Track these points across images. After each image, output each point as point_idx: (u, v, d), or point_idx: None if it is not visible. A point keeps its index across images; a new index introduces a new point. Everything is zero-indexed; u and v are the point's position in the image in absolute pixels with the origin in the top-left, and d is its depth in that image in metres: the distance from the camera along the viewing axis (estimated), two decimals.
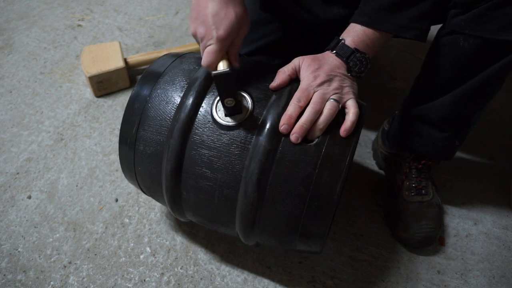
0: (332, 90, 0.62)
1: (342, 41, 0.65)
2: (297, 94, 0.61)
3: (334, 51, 0.65)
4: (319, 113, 0.60)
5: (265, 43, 0.93)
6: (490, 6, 0.62)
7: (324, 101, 0.61)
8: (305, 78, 0.62)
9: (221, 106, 0.62)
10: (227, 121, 0.61)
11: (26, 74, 1.22)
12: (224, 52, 0.62)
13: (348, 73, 0.64)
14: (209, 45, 0.60)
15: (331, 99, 0.61)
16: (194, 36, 0.64)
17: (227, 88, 0.58)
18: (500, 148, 1.10)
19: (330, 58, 0.64)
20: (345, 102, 0.62)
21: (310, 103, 0.60)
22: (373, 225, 0.92)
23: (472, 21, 0.64)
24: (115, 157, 1.01)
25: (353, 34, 0.65)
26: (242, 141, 0.60)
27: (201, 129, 0.62)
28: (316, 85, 0.61)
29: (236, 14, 0.61)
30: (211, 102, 0.63)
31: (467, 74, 0.71)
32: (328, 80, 0.62)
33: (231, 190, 0.62)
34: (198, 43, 0.64)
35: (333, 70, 0.63)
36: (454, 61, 0.71)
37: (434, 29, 0.76)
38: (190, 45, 1.24)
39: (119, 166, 0.99)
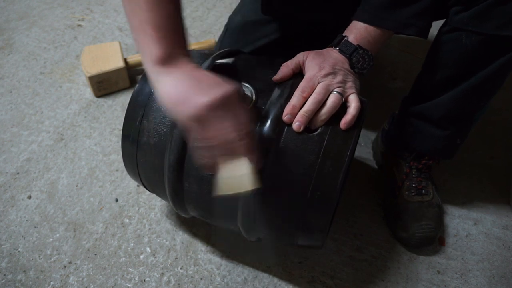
0: (336, 83, 0.62)
1: (345, 38, 0.66)
2: (301, 84, 0.62)
3: (338, 48, 0.65)
4: (321, 103, 0.60)
5: (265, 43, 0.93)
6: (493, 3, 0.62)
7: (327, 92, 0.61)
8: (310, 69, 0.63)
9: None
10: None
11: (26, 74, 1.22)
12: None
13: (351, 69, 0.64)
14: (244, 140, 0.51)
15: (335, 91, 0.61)
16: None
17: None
18: (501, 148, 1.10)
19: (334, 54, 0.65)
20: (348, 96, 0.63)
21: (313, 93, 0.61)
22: (373, 225, 0.92)
23: (475, 17, 0.64)
24: (115, 157, 1.01)
25: (355, 32, 0.66)
26: None
27: None
28: (321, 76, 0.62)
29: None
30: None
31: (469, 71, 0.71)
32: (333, 73, 0.62)
33: None
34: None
35: (337, 64, 0.63)
36: (456, 58, 0.71)
37: (435, 27, 0.76)
38: (191, 45, 1.24)
39: (119, 166, 0.99)
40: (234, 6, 1.02)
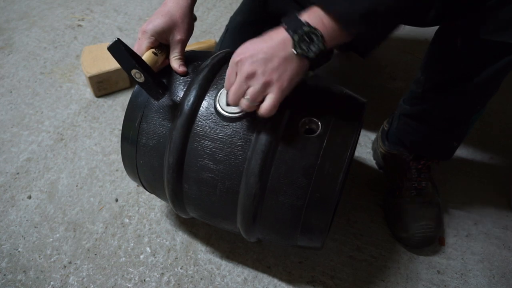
0: (250, 81, 0.55)
1: (297, 14, 0.55)
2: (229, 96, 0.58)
3: (285, 25, 0.55)
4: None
5: None
6: (487, 8, 0.62)
7: (239, 96, 0.57)
8: (227, 74, 0.58)
9: (224, 99, 0.62)
10: (230, 112, 0.61)
11: (26, 74, 1.22)
12: (147, 44, 0.66)
13: (294, 49, 0.53)
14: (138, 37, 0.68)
15: (247, 96, 0.56)
16: None
17: (121, 59, 0.60)
18: (500, 148, 1.10)
19: (274, 36, 0.55)
20: (265, 96, 0.56)
21: (228, 95, 0.58)
22: (373, 225, 0.92)
23: (469, 22, 0.65)
24: (115, 157, 1.01)
25: (310, 10, 0.55)
26: (245, 132, 0.61)
27: (204, 121, 0.62)
28: (239, 82, 0.56)
29: (171, 17, 0.65)
30: (214, 95, 0.63)
31: (464, 76, 0.71)
32: (251, 75, 0.55)
33: (233, 181, 0.62)
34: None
35: (261, 52, 0.54)
36: (452, 62, 0.71)
37: (432, 30, 0.76)
38: (191, 45, 1.24)
39: (119, 166, 0.99)
40: (234, 6, 1.02)
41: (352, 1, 0.53)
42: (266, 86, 0.55)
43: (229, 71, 0.58)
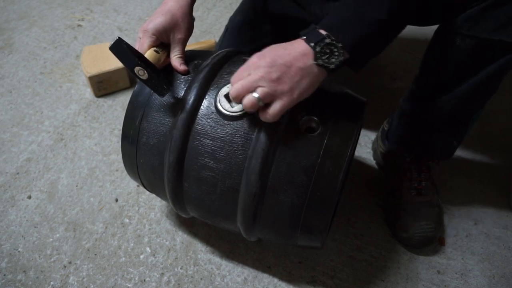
0: (264, 80, 0.55)
1: (317, 27, 0.58)
2: (233, 78, 0.58)
3: (305, 37, 0.57)
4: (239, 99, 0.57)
5: (264, 42, 0.93)
6: (485, 7, 0.62)
7: (248, 90, 0.56)
8: (249, 60, 0.57)
9: (224, 98, 0.62)
10: (231, 111, 0.61)
11: (26, 74, 1.22)
12: (149, 43, 0.66)
13: (315, 61, 0.55)
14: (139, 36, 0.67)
15: (255, 94, 0.55)
16: None
17: (124, 57, 0.60)
18: (500, 148, 1.10)
19: (295, 46, 0.57)
20: (273, 102, 0.56)
21: (233, 88, 0.57)
22: (373, 225, 0.92)
23: (468, 21, 0.65)
24: (115, 157, 1.01)
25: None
26: (246, 131, 0.61)
27: (204, 120, 0.62)
28: (253, 68, 0.56)
29: (172, 16, 0.65)
30: (215, 94, 0.63)
31: (464, 75, 0.71)
32: (269, 67, 0.55)
33: (233, 180, 0.62)
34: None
35: (282, 57, 0.55)
36: (451, 61, 0.71)
37: (431, 29, 0.76)
38: (191, 45, 1.24)
39: (119, 166, 0.99)
40: (234, 6, 1.02)
41: (354, 28, 0.57)
42: (278, 92, 0.55)
43: (243, 68, 0.57)
